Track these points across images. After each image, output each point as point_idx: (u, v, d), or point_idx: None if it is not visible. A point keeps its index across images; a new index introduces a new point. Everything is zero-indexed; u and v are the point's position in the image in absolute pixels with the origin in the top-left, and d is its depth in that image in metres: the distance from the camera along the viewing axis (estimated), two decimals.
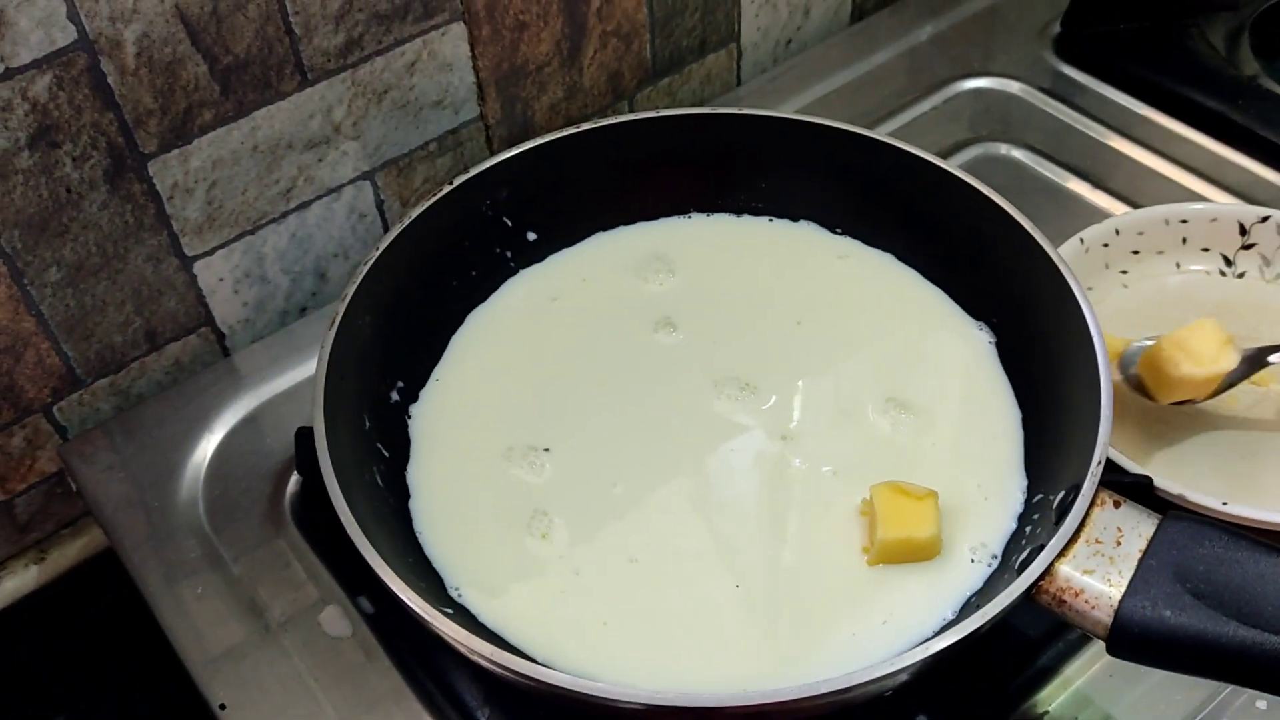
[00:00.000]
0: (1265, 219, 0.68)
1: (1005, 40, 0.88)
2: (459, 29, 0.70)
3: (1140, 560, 0.45)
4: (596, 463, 0.58)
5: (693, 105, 0.86)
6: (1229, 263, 0.69)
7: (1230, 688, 0.53)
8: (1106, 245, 0.68)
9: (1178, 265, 0.69)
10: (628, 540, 0.55)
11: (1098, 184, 0.78)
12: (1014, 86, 0.85)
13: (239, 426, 0.67)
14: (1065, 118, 0.82)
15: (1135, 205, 0.76)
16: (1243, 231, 0.68)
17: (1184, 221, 0.69)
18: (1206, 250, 0.69)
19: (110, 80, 0.58)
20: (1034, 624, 0.56)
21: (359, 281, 0.57)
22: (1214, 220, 0.69)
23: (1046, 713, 0.53)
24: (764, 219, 0.68)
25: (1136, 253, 0.69)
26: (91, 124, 0.59)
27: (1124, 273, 0.69)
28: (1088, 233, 0.67)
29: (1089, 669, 0.54)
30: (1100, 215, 0.75)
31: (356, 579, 0.59)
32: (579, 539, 0.55)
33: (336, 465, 0.51)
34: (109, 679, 0.77)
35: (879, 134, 0.64)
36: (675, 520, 0.55)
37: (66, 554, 0.71)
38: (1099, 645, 0.53)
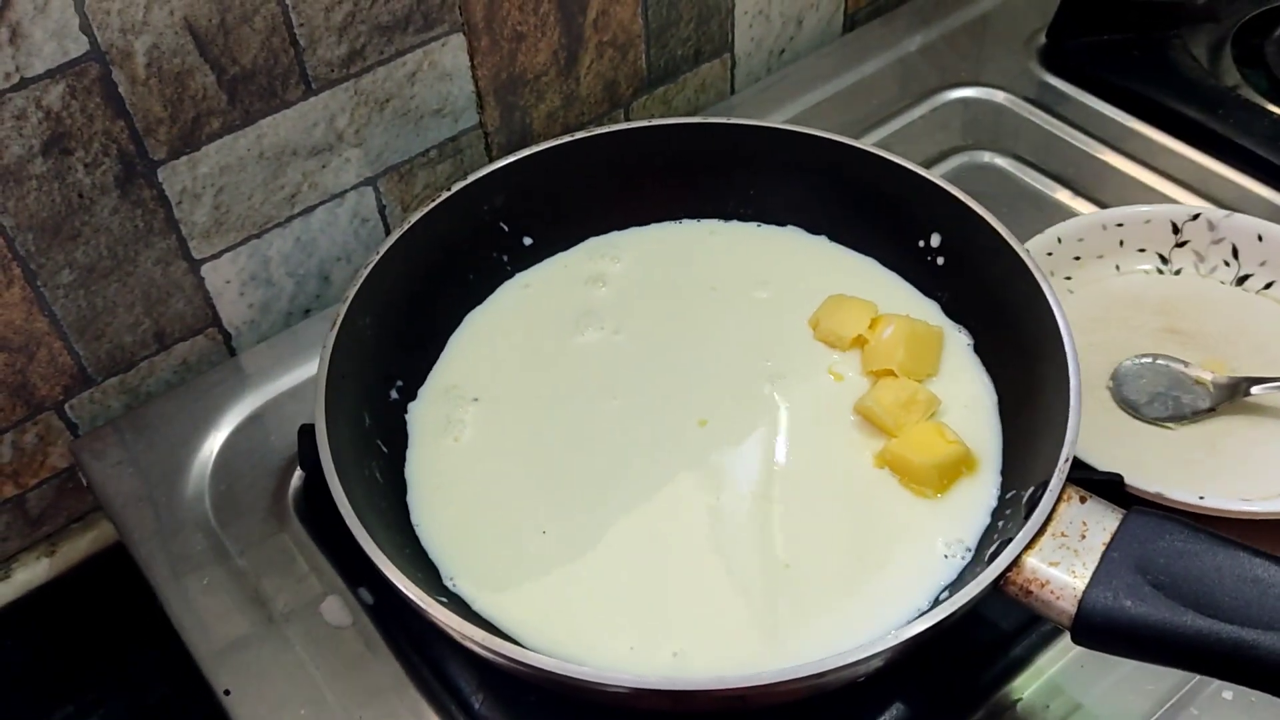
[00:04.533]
0: (1196, 216, 0.71)
1: (993, 51, 0.90)
2: (458, 40, 0.72)
3: (1104, 553, 0.47)
4: (588, 455, 0.60)
5: (687, 114, 0.88)
6: (1165, 261, 0.72)
7: (1197, 677, 0.55)
8: (1050, 254, 0.70)
9: (1118, 268, 0.72)
10: (619, 530, 0.57)
11: (1081, 192, 0.80)
12: (1000, 96, 0.87)
13: (244, 424, 0.69)
14: (1050, 127, 0.84)
15: None
16: (1175, 230, 0.71)
17: (1120, 225, 0.71)
18: (1143, 251, 0.72)
19: (121, 90, 0.60)
20: (1007, 616, 0.58)
21: (360, 284, 0.60)
22: (1147, 221, 0.71)
23: (1019, 700, 0.55)
24: (752, 224, 0.70)
25: (1078, 259, 0.71)
26: (103, 132, 0.61)
27: (1068, 279, 0.71)
28: (1033, 243, 0.70)
29: (1060, 659, 0.56)
30: None
31: (357, 571, 0.61)
32: (570, 530, 0.57)
33: (337, 460, 0.53)
34: (117, 670, 0.79)
35: (862, 143, 0.66)
36: (666, 510, 0.58)
37: (77, 547, 0.73)
38: (1070, 637, 0.55)
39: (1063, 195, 0.80)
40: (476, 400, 0.62)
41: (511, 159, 0.66)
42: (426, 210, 0.64)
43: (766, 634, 0.52)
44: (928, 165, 0.81)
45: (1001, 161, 0.82)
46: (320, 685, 0.57)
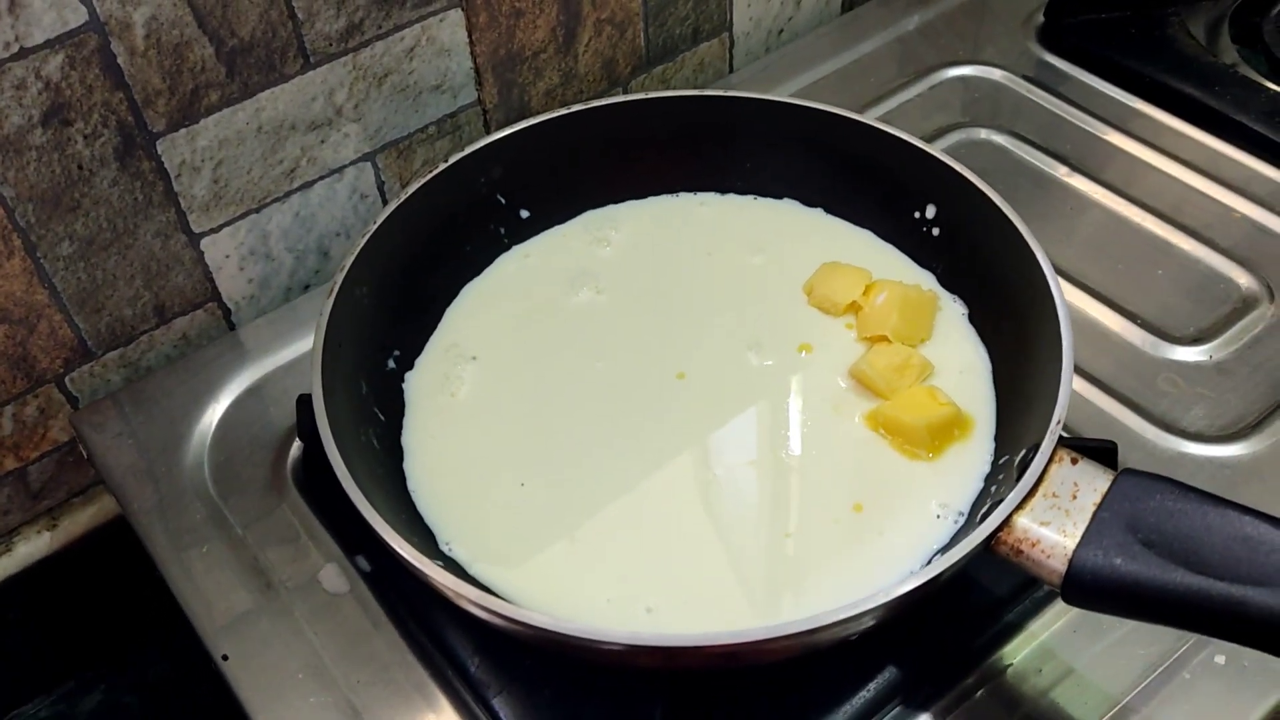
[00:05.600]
0: None
1: (991, 30, 0.91)
2: (457, 15, 0.72)
3: (1094, 513, 0.47)
4: (579, 414, 0.61)
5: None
6: None
7: (1189, 643, 0.55)
8: None
9: None
10: (613, 493, 0.57)
11: (1078, 168, 0.80)
12: (998, 74, 0.87)
13: (243, 397, 0.69)
14: (1048, 105, 0.85)
15: (1115, 190, 0.78)
16: None
17: None
18: None
19: (120, 61, 0.61)
20: (1000, 582, 0.58)
21: (356, 253, 0.60)
22: None
23: (1010, 665, 0.55)
24: (749, 197, 0.70)
25: None
26: (102, 103, 0.61)
27: None
28: None
29: (1053, 625, 0.56)
30: (1079, 199, 0.78)
31: (354, 539, 0.62)
32: (565, 494, 0.58)
33: (334, 428, 0.53)
34: (118, 646, 0.80)
35: (860, 115, 0.67)
36: (661, 470, 0.58)
37: (77, 521, 0.74)
38: (1063, 603, 0.55)
39: (1060, 172, 0.80)
40: (475, 359, 0.63)
41: (509, 131, 0.67)
42: (424, 181, 0.64)
43: (761, 591, 0.53)
44: (926, 141, 0.81)
45: (999, 138, 0.82)
46: (318, 651, 0.57)
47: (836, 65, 0.89)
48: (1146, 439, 0.64)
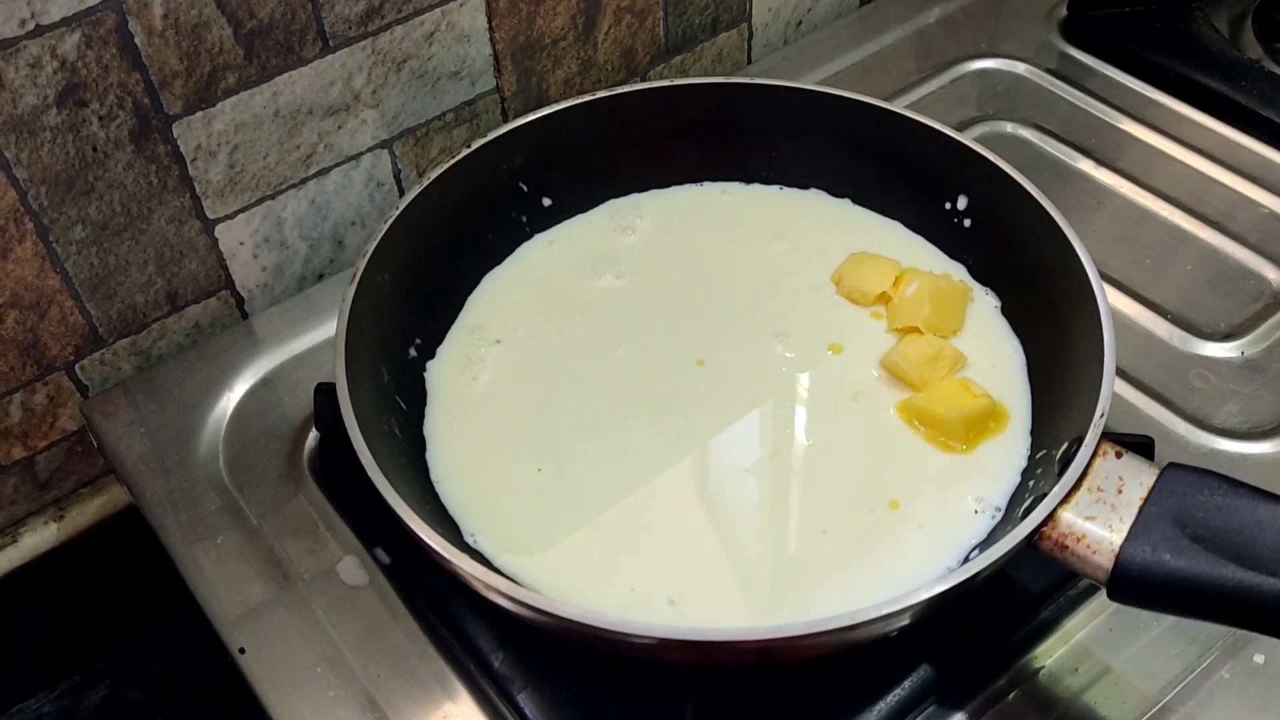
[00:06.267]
0: None
1: (1012, 23, 0.90)
2: (477, 1, 0.71)
3: (1141, 507, 0.46)
4: (602, 407, 0.59)
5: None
6: None
7: (1228, 642, 0.54)
8: None
9: None
10: (641, 483, 0.56)
11: (1103, 161, 0.79)
12: (1020, 68, 0.86)
13: (257, 387, 0.68)
14: (1071, 98, 0.84)
15: (1139, 183, 0.77)
16: None
17: None
18: None
19: (138, 40, 0.59)
20: (1036, 579, 0.57)
21: (379, 239, 0.59)
22: None
23: (1044, 665, 0.54)
24: (774, 187, 0.69)
25: None
26: (118, 84, 0.60)
27: None
28: None
29: (1089, 623, 0.55)
30: (1104, 192, 0.77)
31: (374, 530, 0.60)
32: (586, 482, 0.57)
33: (358, 417, 0.52)
34: (125, 640, 0.78)
35: (890, 104, 0.66)
36: (684, 459, 0.57)
37: (85, 512, 0.72)
38: (1099, 601, 0.55)
39: (1085, 165, 0.79)
40: (499, 342, 0.62)
41: (531, 117, 0.66)
42: (446, 168, 0.63)
43: (794, 586, 0.52)
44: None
45: (1024, 131, 0.81)
46: (337, 644, 0.56)
47: (856, 58, 0.88)
48: (1180, 435, 0.63)
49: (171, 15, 0.60)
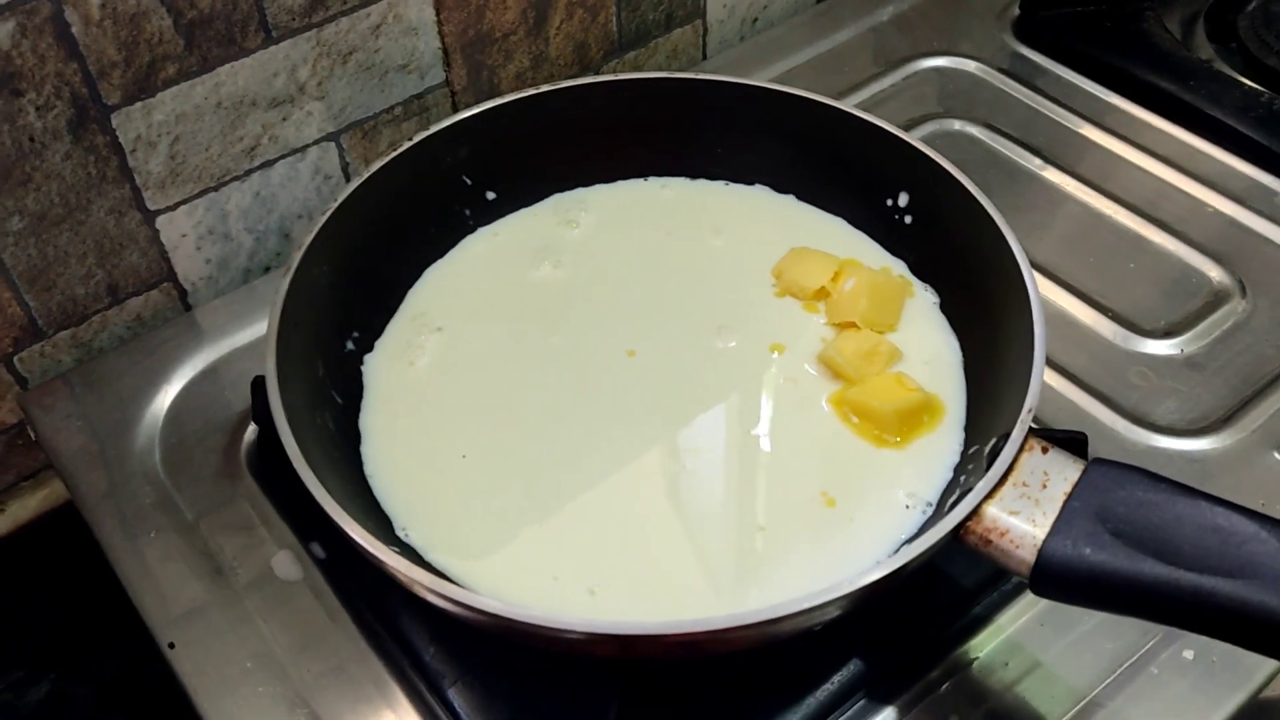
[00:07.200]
0: None
1: (966, 21, 0.90)
2: None
3: (1065, 502, 0.46)
4: (533, 396, 0.59)
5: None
6: None
7: (1157, 637, 0.55)
8: None
9: None
10: (566, 473, 0.56)
11: (1050, 161, 0.79)
12: (972, 66, 0.86)
13: (198, 379, 0.67)
14: (1022, 97, 0.84)
15: (1087, 182, 0.77)
16: None
17: None
18: None
19: (74, 30, 0.59)
20: (968, 574, 0.57)
21: (315, 231, 0.58)
22: None
23: (976, 658, 0.54)
24: (719, 183, 0.69)
25: None
26: (55, 73, 0.60)
27: None
28: None
29: (1020, 618, 0.56)
30: (1052, 190, 0.77)
31: (309, 525, 0.60)
32: (518, 473, 0.56)
33: (289, 410, 0.52)
34: (69, 632, 0.78)
35: (835, 101, 0.66)
36: (612, 449, 0.57)
37: (26, 506, 0.72)
38: (1031, 596, 0.54)
39: (1034, 164, 0.79)
40: (440, 329, 0.62)
41: (475, 110, 0.65)
42: (388, 160, 0.62)
43: (725, 580, 0.52)
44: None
45: (973, 130, 0.81)
46: (268, 639, 0.56)
47: (810, 55, 0.88)
48: (1117, 432, 0.63)
49: (109, 5, 0.59)
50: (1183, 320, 0.69)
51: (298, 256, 0.58)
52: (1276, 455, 0.62)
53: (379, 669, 0.55)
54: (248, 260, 0.74)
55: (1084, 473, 0.47)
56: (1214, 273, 0.71)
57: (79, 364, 0.70)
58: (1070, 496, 0.47)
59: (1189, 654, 0.54)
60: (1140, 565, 0.44)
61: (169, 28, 0.62)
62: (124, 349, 0.69)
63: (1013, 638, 0.55)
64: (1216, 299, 0.70)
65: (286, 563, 0.59)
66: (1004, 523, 0.47)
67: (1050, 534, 0.46)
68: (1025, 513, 0.47)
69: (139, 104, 0.63)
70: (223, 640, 0.56)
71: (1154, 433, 0.63)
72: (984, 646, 0.55)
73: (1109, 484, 0.47)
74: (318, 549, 0.59)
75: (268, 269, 0.75)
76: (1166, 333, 0.68)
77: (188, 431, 0.65)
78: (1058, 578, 0.45)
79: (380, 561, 0.47)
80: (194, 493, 0.62)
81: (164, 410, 0.65)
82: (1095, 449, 0.59)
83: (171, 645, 0.56)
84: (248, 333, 0.70)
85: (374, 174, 0.62)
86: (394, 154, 0.63)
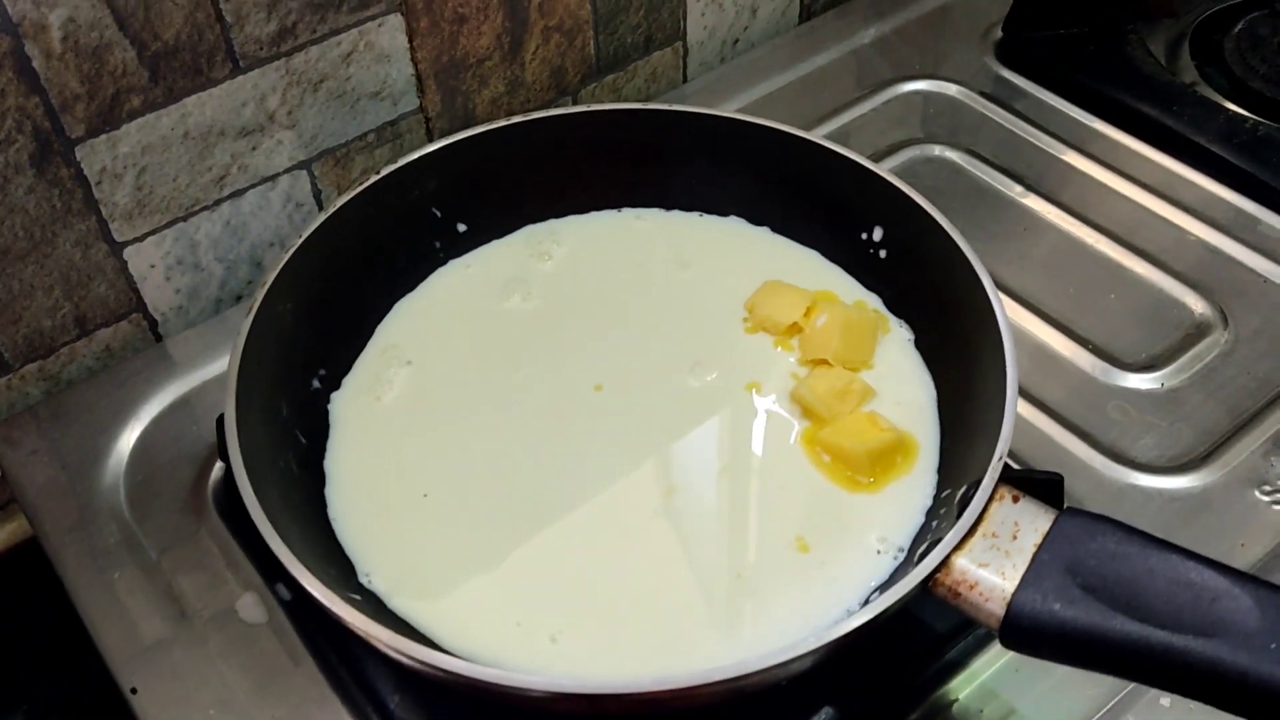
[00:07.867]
0: None
1: (949, 44, 0.89)
2: (396, 20, 0.70)
3: (1034, 554, 0.46)
4: (499, 434, 0.59)
5: (637, 102, 0.86)
6: None
7: (1134, 685, 0.54)
8: None
9: None
10: (529, 514, 0.55)
11: (1033, 188, 0.78)
12: (954, 90, 0.85)
13: (167, 412, 0.67)
14: (1004, 122, 0.83)
15: (1068, 209, 0.77)
16: None
17: None
18: None
19: (35, 64, 0.58)
20: (941, 619, 0.56)
21: (280, 268, 0.58)
22: None
23: (954, 703, 0.54)
24: (694, 214, 0.68)
25: None
26: (16, 107, 0.59)
27: None
28: None
29: (995, 663, 0.55)
30: (1032, 218, 0.76)
31: (275, 565, 0.58)
32: (480, 514, 0.56)
33: (248, 452, 0.51)
34: (42, 663, 0.77)
35: (808, 134, 0.65)
36: (579, 489, 0.56)
37: None
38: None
39: (1015, 191, 0.78)
40: (410, 363, 0.61)
41: (444, 142, 0.65)
42: (354, 193, 0.62)
43: (692, 631, 0.51)
44: (879, 158, 0.80)
45: (954, 155, 0.81)
46: (231, 684, 0.55)
47: (792, 77, 0.87)
48: (1094, 469, 0.62)
49: (70, 38, 0.58)
50: (1164, 353, 0.68)
51: (260, 294, 0.57)
52: (1257, 494, 0.61)
53: (343, 716, 0.54)
54: (219, 290, 0.73)
55: (1055, 523, 0.47)
56: (1196, 304, 0.70)
57: (48, 396, 0.69)
58: (1040, 549, 0.46)
59: (1166, 701, 0.53)
60: (1111, 622, 0.43)
61: (133, 59, 0.61)
62: (93, 381, 0.68)
63: (987, 684, 0.54)
64: (1198, 331, 0.69)
65: (250, 605, 0.58)
66: (973, 575, 0.46)
67: (1019, 587, 0.45)
68: (995, 564, 0.46)
69: (104, 136, 0.62)
70: (185, 685, 0.55)
71: (1133, 470, 0.62)
72: (959, 692, 0.54)
73: (1080, 535, 0.46)
74: (283, 590, 0.58)
75: (239, 298, 0.74)
76: (1147, 366, 0.67)
77: (156, 465, 0.64)
78: (1027, 633, 0.45)
79: (337, 616, 0.46)
80: (158, 531, 0.61)
81: (131, 445, 0.65)
82: (1072, 487, 0.59)
83: (134, 690, 0.55)
84: (220, 363, 0.68)
85: (340, 208, 0.61)
86: (361, 188, 0.62)
